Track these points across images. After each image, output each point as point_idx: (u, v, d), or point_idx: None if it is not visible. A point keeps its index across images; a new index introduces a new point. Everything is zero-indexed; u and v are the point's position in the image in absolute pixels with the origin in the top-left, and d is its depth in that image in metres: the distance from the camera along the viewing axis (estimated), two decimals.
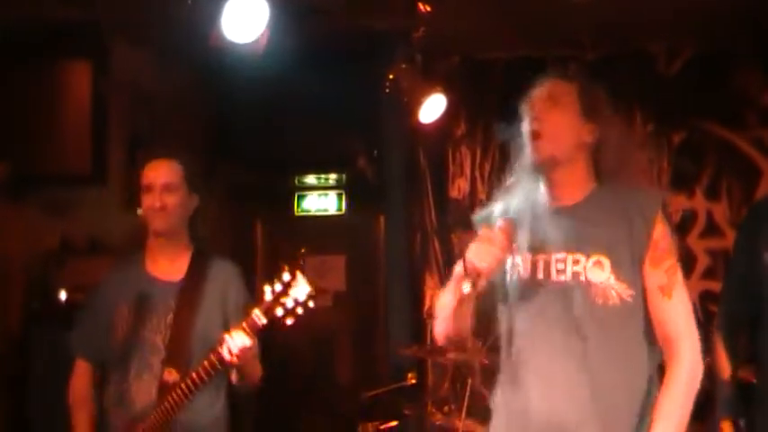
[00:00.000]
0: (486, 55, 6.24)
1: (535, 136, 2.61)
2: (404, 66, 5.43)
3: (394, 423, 5.19)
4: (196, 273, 3.36)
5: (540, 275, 2.61)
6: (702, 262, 5.74)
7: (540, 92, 2.72)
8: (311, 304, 2.84)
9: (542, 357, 2.58)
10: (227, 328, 3.12)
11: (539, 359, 2.59)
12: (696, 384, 2.51)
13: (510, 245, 2.54)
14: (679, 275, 2.54)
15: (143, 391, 3.23)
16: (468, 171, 6.30)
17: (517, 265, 2.66)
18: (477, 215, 2.86)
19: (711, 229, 5.78)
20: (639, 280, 2.52)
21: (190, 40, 4.33)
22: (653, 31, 5.67)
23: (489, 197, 6.26)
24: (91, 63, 4.67)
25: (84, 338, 3.42)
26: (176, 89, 6.03)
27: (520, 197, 2.74)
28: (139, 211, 3.32)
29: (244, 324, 2.94)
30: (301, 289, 2.81)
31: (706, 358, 2.60)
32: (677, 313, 2.52)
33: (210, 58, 4.50)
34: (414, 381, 5.45)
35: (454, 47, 6.17)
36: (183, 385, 3.07)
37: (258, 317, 2.88)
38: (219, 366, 3.01)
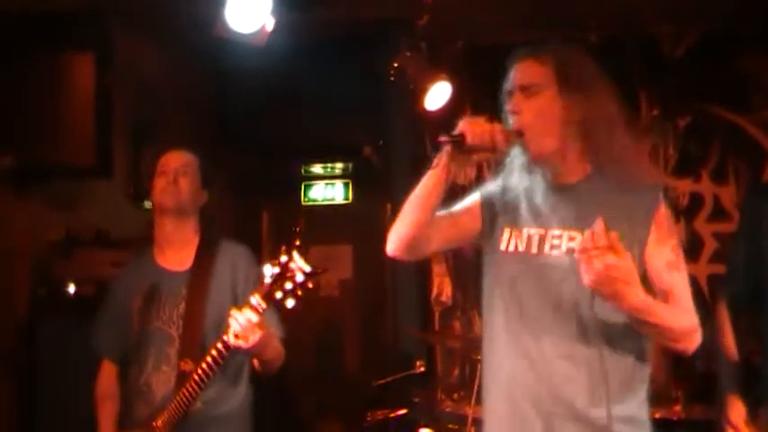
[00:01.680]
0: (490, 40, 6.21)
1: (518, 134, 2.54)
2: (409, 53, 5.42)
3: (403, 411, 5.19)
4: (204, 259, 3.37)
5: (534, 250, 2.58)
6: (710, 246, 5.73)
7: (513, 80, 2.63)
8: (311, 285, 2.80)
9: (531, 329, 2.54)
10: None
11: (527, 331, 2.55)
12: (691, 337, 2.47)
13: (504, 142, 2.51)
14: (682, 255, 2.52)
15: (163, 383, 3.25)
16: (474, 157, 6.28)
17: (512, 239, 2.63)
18: (477, 190, 2.80)
19: (718, 213, 5.77)
20: (638, 262, 2.43)
21: (194, 31, 4.33)
22: (658, 14, 5.64)
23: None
24: (94, 54, 4.65)
25: (107, 339, 3.46)
26: (181, 79, 6.03)
27: (519, 172, 2.69)
28: (147, 204, 3.34)
29: (244, 308, 2.92)
30: (300, 270, 2.78)
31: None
32: (683, 287, 2.48)
33: (215, 49, 4.49)
34: (422, 368, 5.45)
35: (458, 33, 6.15)
36: (195, 375, 3.07)
37: (258, 301, 2.86)
38: (226, 352, 3.00)
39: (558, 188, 2.60)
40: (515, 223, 2.64)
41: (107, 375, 3.47)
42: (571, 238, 2.52)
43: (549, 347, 2.51)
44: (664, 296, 2.46)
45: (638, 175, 2.58)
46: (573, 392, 2.48)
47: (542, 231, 2.58)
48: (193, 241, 3.41)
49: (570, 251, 2.49)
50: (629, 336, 2.48)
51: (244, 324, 2.91)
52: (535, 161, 2.60)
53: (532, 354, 2.53)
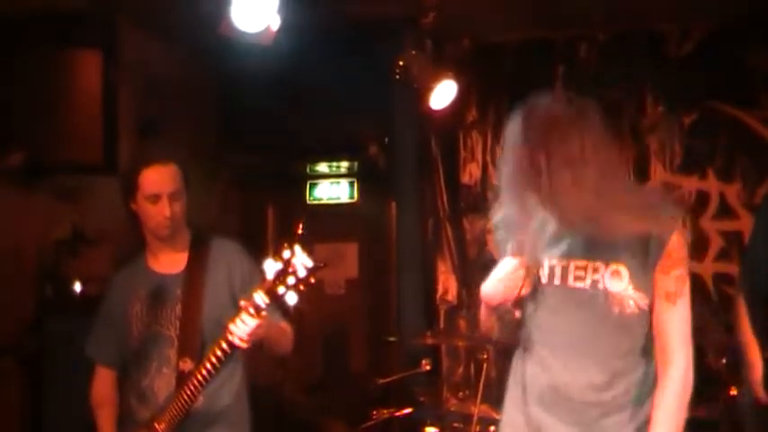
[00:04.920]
0: (496, 38, 6.22)
1: (549, 208, 2.54)
2: (414, 52, 5.42)
3: (408, 410, 5.19)
4: (197, 259, 3.36)
5: (557, 281, 2.61)
6: (716, 244, 5.72)
7: (530, 149, 2.50)
8: (313, 280, 2.79)
9: (559, 357, 2.61)
10: (236, 306, 3.13)
11: (553, 357, 2.62)
12: (689, 392, 2.53)
13: (528, 278, 2.60)
14: (687, 287, 2.55)
15: (164, 385, 3.26)
16: (479, 156, 6.29)
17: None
18: (495, 219, 2.77)
19: (724, 211, 5.75)
20: (651, 287, 2.53)
21: (200, 29, 4.33)
22: (664, 12, 5.64)
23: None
24: (101, 52, 4.67)
25: (101, 345, 3.45)
26: (187, 77, 6.03)
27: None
28: (133, 206, 3.31)
29: (247, 306, 2.91)
30: (302, 265, 2.78)
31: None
32: (677, 322, 2.54)
33: (221, 47, 4.50)
34: (428, 367, 5.44)
35: (464, 31, 6.15)
36: (197, 375, 3.07)
37: (261, 297, 2.86)
38: (230, 352, 3.01)
39: None
40: (538, 254, 2.66)
41: (103, 381, 3.47)
42: (595, 270, 2.56)
43: (576, 369, 2.59)
44: (657, 333, 2.55)
45: (659, 209, 2.57)
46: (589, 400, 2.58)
47: (565, 263, 2.61)
48: (185, 241, 3.41)
49: (594, 283, 2.54)
50: (641, 361, 2.59)
51: (244, 330, 2.93)
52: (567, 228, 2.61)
53: (559, 370, 2.61)
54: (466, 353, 6.04)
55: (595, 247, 2.55)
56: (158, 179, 3.25)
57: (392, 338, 6.26)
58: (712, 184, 5.79)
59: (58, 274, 4.79)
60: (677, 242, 2.52)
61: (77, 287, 4.82)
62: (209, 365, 3.05)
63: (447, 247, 6.31)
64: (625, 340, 2.56)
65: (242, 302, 2.92)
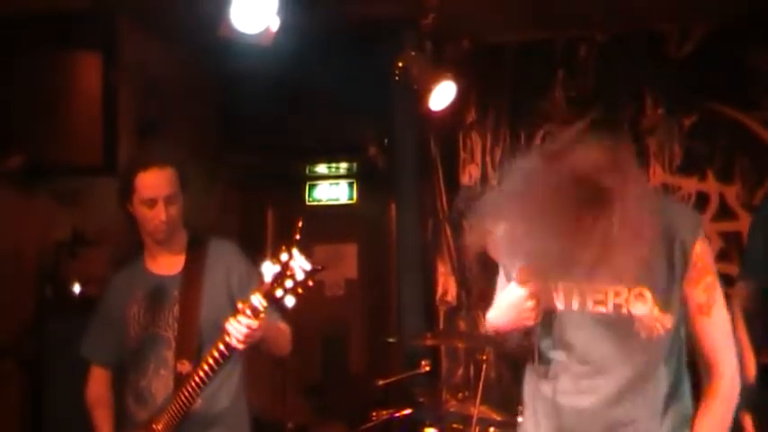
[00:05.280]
0: (495, 39, 6.22)
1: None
2: (414, 53, 5.42)
3: (408, 411, 5.19)
4: (194, 260, 3.37)
5: (576, 306, 2.54)
6: (715, 245, 5.71)
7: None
8: (311, 283, 2.78)
9: (580, 377, 2.56)
10: (234, 307, 3.14)
11: (577, 378, 2.57)
12: (734, 401, 2.50)
13: (538, 307, 2.53)
14: (718, 293, 2.50)
15: (162, 386, 3.27)
16: (478, 157, 6.29)
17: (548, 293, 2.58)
18: (497, 233, 2.66)
19: (724, 212, 5.75)
20: (679, 301, 2.47)
21: (200, 30, 4.33)
22: (663, 12, 5.64)
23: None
24: (101, 54, 4.67)
25: (97, 345, 3.46)
26: (186, 78, 6.03)
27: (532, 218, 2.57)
28: (130, 209, 3.30)
29: (245, 308, 2.91)
30: (300, 268, 2.77)
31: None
32: (716, 331, 2.50)
33: (221, 48, 4.50)
34: (428, 368, 5.44)
35: (463, 32, 6.15)
36: (195, 377, 3.08)
37: (259, 300, 2.86)
38: (227, 354, 3.01)
39: None
40: (551, 276, 2.57)
41: (97, 381, 3.47)
42: (616, 294, 2.49)
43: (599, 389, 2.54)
44: (698, 345, 2.51)
45: (679, 217, 2.51)
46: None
47: (581, 286, 2.53)
48: (182, 243, 3.41)
49: (617, 307, 2.48)
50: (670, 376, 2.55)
51: (241, 332, 2.93)
52: None
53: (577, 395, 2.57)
54: (465, 354, 6.04)
55: (615, 269, 2.42)
56: (154, 183, 3.25)
57: (392, 339, 6.26)
58: (712, 186, 5.80)
59: (57, 275, 4.80)
60: (701, 250, 2.47)
61: (77, 288, 4.83)
62: (206, 367, 3.05)
63: (447, 247, 6.30)
64: (651, 361, 2.49)
65: (240, 305, 2.93)
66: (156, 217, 3.25)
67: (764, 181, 5.63)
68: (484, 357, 4.53)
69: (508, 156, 6.09)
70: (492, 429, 4.62)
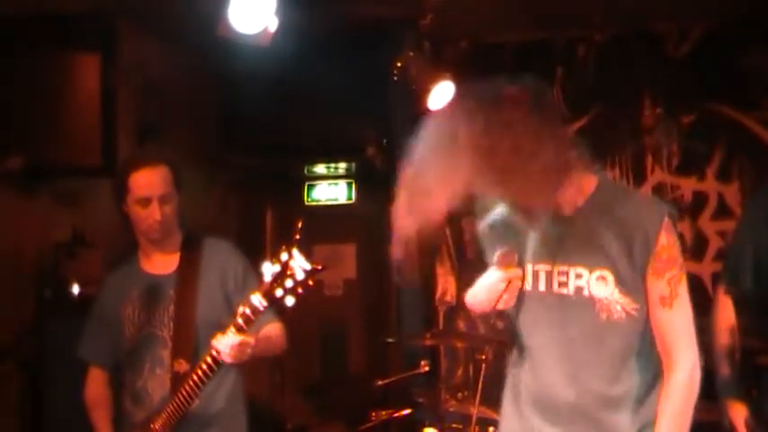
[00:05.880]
0: (493, 39, 6.22)
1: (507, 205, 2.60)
2: (412, 53, 5.42)
3: (407, 411, 5.19)
4: (189, 259, 3.38)
5: (542, 287, 2.58)
6: (714, 244, 5.73)
7: None
8: (311, 283, 2.80)
9: (546, 363, 2.60)
10: (230, 306, 3.16)
11: (543, 364, 2.61)
12: (694, 395, 2.51)
13: (515, 278, 2.58)
14: (683, 286, 2.50)
15: (159, 386, 3.28)
16: None
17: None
18: (481, 223, 2.79)
19: (723, 211, 5.76)
20: (643, 291, 2.49)
21: (199, 31, 4.33)
22: (662, 12, 5.64)
23: None
24: (100, 55, 4.67)
25: (93, 346, 3.48)
26: (185, 79, 6.03)
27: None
28: (125, 209, 3.31)
29: (234, 323, 2.95)
30: (300, 268, 2.78)
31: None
32: (677, 324, 2.50)
33: (220, 49, 4.50)
34: (427, 368, 5.45)
35: (462, 32, 6.15)
36: (194, 376, 3.09)
37: (259, 300, 2.87)
38: (216, 367, 3.05)
39: (559, 219, 2.56)
40: (522, 260, 2.63)
41: (95, 382, 3.49)
42: (578, 276, 2.52)
43: (559, 378, 2.58)
44: (658, 337, 2.51)
45: (642, 206, 2.54)
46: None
47: (548, 267, 2.58)
48: (177, 242, 3.41)
49: (579, 290, 2.51)
50: (637, 367, 2.56)
51: (227, 350, 2.97)
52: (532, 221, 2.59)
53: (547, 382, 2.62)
54: (465, 354, 6.03)
55: (578, 251, 2.51)
56: (148, 182, 3.26)
57: (391, 339, 6.27)
58: (711, 185, 5.81)
59: (57, 276, 4.79)
60: (666, 241, 2.46)
61: (76, 289, 4.83)
62: (200, 372, 3.07)
63: (445, 247, 6.31)
64: (616, 345, 2.51)
65: (240, 308, 2.94)
66: (150, 216, 3.26)
67: (763, 180, 5.63)
68: (483, 357, 4.52)
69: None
70: (491, 429, 4.62)
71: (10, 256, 4.66)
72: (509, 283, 2.57)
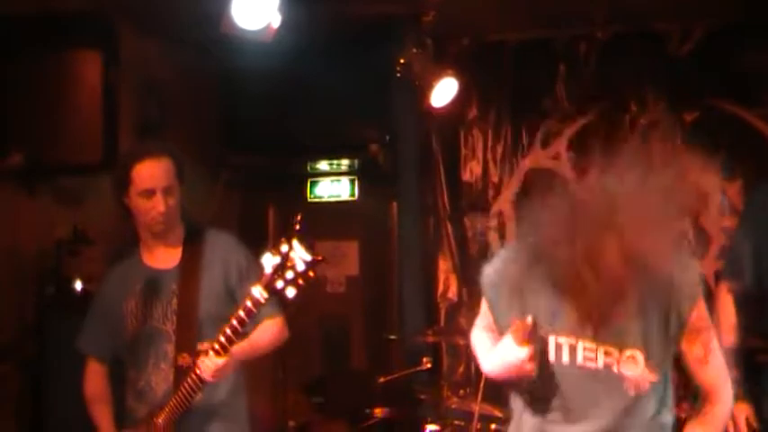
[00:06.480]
0: (496, 36, 6.21)
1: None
2: (415, 50, 5.42)
3: (409, 408, 5.20)
4: (192, 252, 3.35)
5: (566, 360, 2.48)
6: (717, 241, 5.71)
7: None
8: (312, 274, 2.78)
9: (565, 418, 2.53)
10: (232, 298, 3.17)
11: (561, 418, 2.54)
12: (727, 418, 2.67)
13: (533, 348, 2.44)
14: (714, 342, 2.52)
15: (162, 380, 3.27)
16: (480, 154, 6.29)
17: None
18: (487, 279, 2.67)
19: (726, 209, 5.74)
20: (671, 354, 2.48)
21: (200, 29, 4.33)
22: (665, 10, 5.63)
23: (502, 180, 6.24)
24: (101, 53, 4.67)
25: (93, 338, 3.46)
26: (187, 77, 6.03)
27: (529, 265, 2.50)
28: (126, 202, 3.29)
29: (213, 345, 3.00)
30: (300, 259, 2.77)
31: None
32: (714, 372, 2.54)
33: (222, 46, 4.50)
34: (429, 365, 5.45)
35: (465, 29, 6.15)
36: (189, 380, 3.09)
37: (260, 292, 2.86)
38: (201, 384, 3.08)
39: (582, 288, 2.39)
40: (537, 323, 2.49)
41: (94, 376, 3.47)
42: (607, 353, 2.44)
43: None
44: (697, 379, 2.55)
45: (676, 277, 2.42)
46: None
47: (572, 341, 2.48)
48: (179, 235, 3.39)
49: (608, 366, 2.44)
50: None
51: (209, 368, 3.01)
52: None
53: None
54: (466, 351, 6.02)
55: (605, 329, 2.41)
56: (152, 174, 3.23)
57: (393, 336, 6.27)
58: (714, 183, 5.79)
59: (58, 273, 4.80)
60: (699, 315, 2.44)
61: (78, 286, 4.83)
62: (190, 382, 3.08)
63: (448, 244, 6.30)
64: (642, 408, 2.47)
65: (243, 288, 2.94)
66: (153, 208, 3.23)
67: (766, 177, 5.61)
68: None
69: (509, 152, 6.12)
70: (493, 426, 4.63)
71: (11, 254, 4.67)
72: (533, 357, 2.43)
